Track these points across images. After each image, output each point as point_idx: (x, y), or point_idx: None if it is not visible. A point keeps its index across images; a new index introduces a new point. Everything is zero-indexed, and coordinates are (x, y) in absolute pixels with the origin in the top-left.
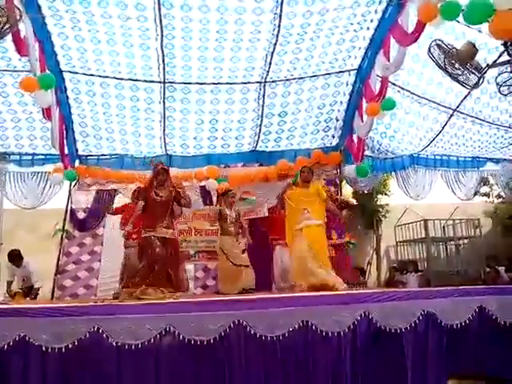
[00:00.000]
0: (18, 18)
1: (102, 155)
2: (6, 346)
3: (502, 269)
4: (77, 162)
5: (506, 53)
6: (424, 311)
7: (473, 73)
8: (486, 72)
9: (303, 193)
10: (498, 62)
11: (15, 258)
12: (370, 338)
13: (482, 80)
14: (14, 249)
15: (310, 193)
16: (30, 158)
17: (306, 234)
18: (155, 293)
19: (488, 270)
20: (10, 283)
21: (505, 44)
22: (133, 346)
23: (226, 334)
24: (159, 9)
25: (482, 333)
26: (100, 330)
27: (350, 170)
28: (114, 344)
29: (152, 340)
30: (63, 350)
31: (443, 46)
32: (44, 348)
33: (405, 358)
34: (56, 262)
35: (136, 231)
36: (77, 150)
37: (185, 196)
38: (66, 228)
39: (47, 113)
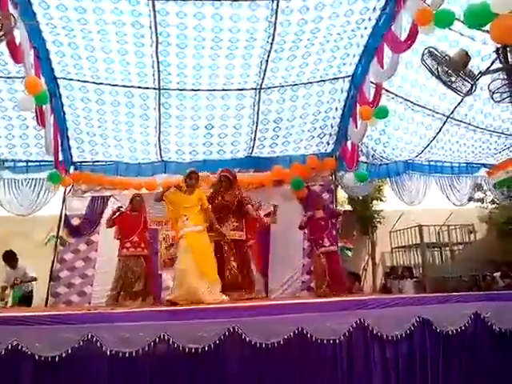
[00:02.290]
0: (13, 25)
1: (97, 161)
2: None
3: (497, 274)
4: (71, 169)
5: (498, 60)
6: (419, 318)
7: (466, 80)
8: (478, 79)
9: (185, 199)
10: (490, 69)
11: (9, 258)
12: (366, 345)
13: (474, 87)
14: (8, 250)
15: (193, 199)
16: (24, 164)
17: (189, 243)
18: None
19: (483, 275)
20: (4, 288)
21: (497, 51)
22: (127, 354)
23: (221, 342)
24: (154, 16)
25: (477, 339)
26: (94, 338)
27: (348, 177)
28: (108, 352)
29: (146, 348)
30: (56, 358)
31: (436, 53)
32: (37, 357)
33: (400, 365)
34: (50, 268)
35: (129, 241)
36: (71, 157)
37: (249, 200)
38: (60, 235)
39: (41, 119)
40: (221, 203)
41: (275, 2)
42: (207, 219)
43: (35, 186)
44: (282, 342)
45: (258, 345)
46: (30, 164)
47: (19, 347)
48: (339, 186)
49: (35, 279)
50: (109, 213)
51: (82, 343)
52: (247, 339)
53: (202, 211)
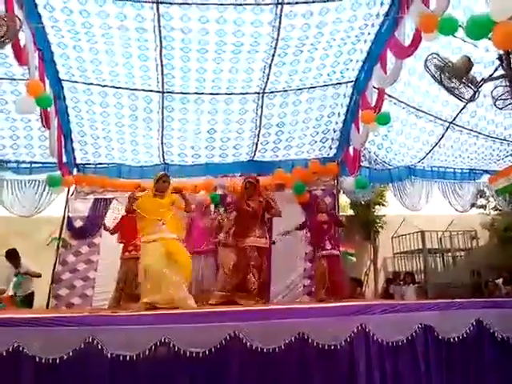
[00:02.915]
0: (18, 27)
1: (100, 164)
2: None
3: (499, 281)
4: (75, 171)
5: (500, 67)
6: (421, 324)
7: (468, 86)
8: (481, 86)
9: (156, 203)
10: (493, 76)
11: (12, 257)
12: (367, 351)
13: (477, 94)
14: (12, 248)
15: (164, 203)
16: (27, 165)
17: (163, 246)
18: (247, 301)
19: (485, 282)
20: (2, 292)
21: (500, 58)
22: (127, 357)
23: (222, 346)
24: (158, 20)
25: (479, 346)
26: (95, 341)
27: (348, 182)
28: (109, 355)
29: (147, 351)
30: (57, 360)
31: (439, 59)
32: (38, 359)
33: (401, 372)
34: (52, 270)
35: (132, 244)
36: (75, 159)
37: (275, 206)
38: (62, 236)
39: (46, 121)
40: (246, 211)
41: (279, 7)
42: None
43: (38, 187)
44: (282, 347)
45: (258, 349)
46: (33, 165)
47: (20, 349)
48: (341, 191)
49: (40, 275)
50: (114, 216)
51: (82, 346)
52: (248, 344)
53: (177, 217)
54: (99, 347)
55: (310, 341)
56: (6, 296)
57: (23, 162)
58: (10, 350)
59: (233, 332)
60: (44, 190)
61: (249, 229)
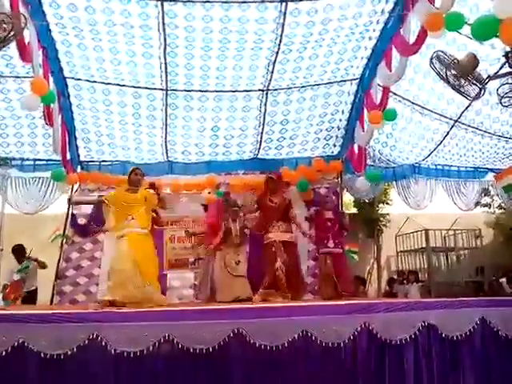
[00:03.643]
0: (23, 25)
1: (104, 161)
2: (4, 353)
3: (503, 280)
4: (78, 168)
5: (507, 64)
6: (425, 322)
7: (474, 84)
8: (487, 83)
9: (129, 197)
10: (499, 73)
11: (18, 252)
12: (370, 350)
13: (483, 91)
14: (18, 243)
15: (137, 198)
16: (31, 163)
17: (129, 243)
18: (277, 296)
19: (489, 281)
20: (5, 287)
21: (506, 55)
22: (131, 354)
23: (226, 343)
24: (163, 18)
25: (483, 345)
26: (99, 338)
27: (361, 181)
28: (113, 351)
29: (151, 348)
30: (62, 356)
31: (445, 57)
32: (43, 354)
33: (405, 370)
34: (56, 267)
35: None
36: (79, 156)
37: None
38: (66, 233)
39: (49, 118)
40: (270, 206)
41: (283, 4)
42: (157, 220)
43: (42, 184)
44: (286, 345)
45: (262, 347)
46: (37, 163)
47: (25, 344)
48: (345, 189)
49: (46, 266)
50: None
51: (86, 342)
52: (251, 341)
53: (148, 212)
54: (103, 343)
55: (313, 339)
56: (12, 281)
57: (27, 159)
58: (16, 345)
59: (236, 329)
60: (48, 188)
61: (272, 224)
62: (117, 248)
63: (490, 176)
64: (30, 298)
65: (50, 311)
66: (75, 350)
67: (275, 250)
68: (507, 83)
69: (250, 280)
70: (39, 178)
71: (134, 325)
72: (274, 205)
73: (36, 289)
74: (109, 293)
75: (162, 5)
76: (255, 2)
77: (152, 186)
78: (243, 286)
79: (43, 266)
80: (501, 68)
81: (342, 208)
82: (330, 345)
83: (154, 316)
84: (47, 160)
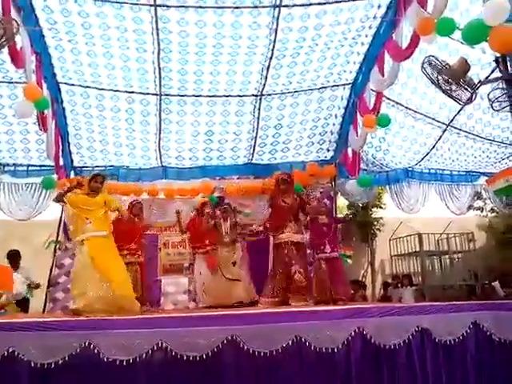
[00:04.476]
0: (15, 30)
1: (97, 167)
2: None
3: (496, 283)
4: (72, 174)
5: (497, 69)
6: (418, 327)
7: (465, 89)
8: (478, 88)
9: (88, 201)
10: (489, 78)
11: (14, 258)
12: (364, 355)
13: (474, 96)
14: (14, 249)
15: (97, 202)
16: (24, 168)
17: (89, 247)
18: (297, 300)
19: (482, 284)
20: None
21: (496, 61)
22: (124, 362)
23: (219, 350)
24: (156, 23)
25: (476, 349)
26: (91, 345)
27: (351, 183)
28: (105, 359)
29: (144, 355)
30: (53, 365)
31: (436, 61)
32: (33, 364)
33: (399, 375)
34: (49, 273)
35: (126, 248)
36: (72, 162)
37: (309, 202)
38: (59, 239)
39: (43, 124)
40: (282, 206)
41: (277, 9)
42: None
43: (35, 190)
44: (280, 351)
45: (256, 353)
46: (30, 168)
47: (15, 354)
48: (339, 193)
49: (39, 286)
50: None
51: (78, 350)
52: (245, 347)
53: (107, 216)
54: (95, 351)
55: (307, 344)
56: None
57: (20, 165)
58: (6, 354)
59: (230, 336)
60: (41, 194)
61: (284, 225)
62: (78, 255)
63: (483, 180)
64: (23, 305)
65: (41, 319)
66: (67, 358)
67: (287, 251)
68: (498, 88)
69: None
70: (32, 183)
71: (126, 332)
72: (285, 205)
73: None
74: (73, 302)
75: (156, 10)
76: (248, 7)
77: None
78: (237, 291)
79: (37, 286)
80: (492, 72)
81: (336, 213)
82: (323, 350)
83: (147, 323)
84: (40, 166)
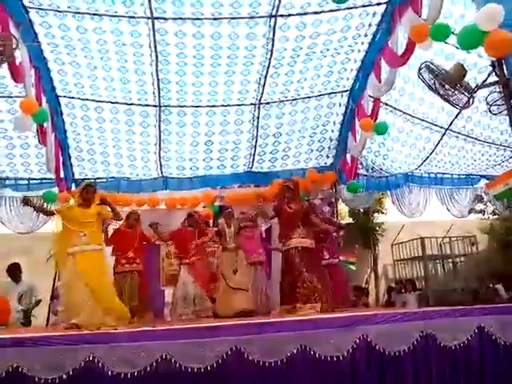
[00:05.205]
0: (14, 46)
1: (98, 178)
2: None
3: (499, 286)
4: (73, 186)
5: (494, 73)
6: (423, 332)
7: (463, 93)
8: (475, 92)
9: (82, 213)
10: (486, 82)
11: (15, 271)
12: (369, 362)
13: (472, 100)
14: (14, 262)
15: (90, 214)
16: (25, 182)
17: (80, 261)
18: (308, 309)
19: (486, 287)
20: None
21: (492, 65)
22: (128, 375)
23: (224, 361)
24: (154, 35)
25: (482, 353)
26: (95, 359)
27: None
28: (109, 373)
29: (148, 368)
30: (57, 380)
31: (432, 67)
32: (37, 379)
33: (405, 382)
34: (52, 286)
35: (125, 257)
36: (73, 174)
37: (314, 208)
38: None
39: (42, 138)
40: (288, 213)
41: (273, 19)
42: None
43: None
44: (284, 360)
45: (260, 363)
46: (31, 182)
47: (19, 369)
48: (340, 199)
49: (39, 301)
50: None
51: (82, 364)
52: (250, 357)
53: (100, 227)
54: (100, 365)
55: (311, 353)
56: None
57: (21, 178)
58: (10, 370)
59: (234, 346)
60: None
61: (292, 230)
62: (67, 268)
63: (483, 182)
64: (25, 318)
65: (44, 334)
66: (71, 372)
67: (296, 257)
68: (495, 91)
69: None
70: (34, 197)
71: (130, 345)
72: (291, 211)
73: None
74: (60, 317)
75: (153, 23)
76: (244, 18)
77: (103, 200)
78: (243, 300)
79: (35, 305)
80: (489, 76)
81: (338, 218)
82: (328, 358)
83: (151, 335)
84: (41, 179)
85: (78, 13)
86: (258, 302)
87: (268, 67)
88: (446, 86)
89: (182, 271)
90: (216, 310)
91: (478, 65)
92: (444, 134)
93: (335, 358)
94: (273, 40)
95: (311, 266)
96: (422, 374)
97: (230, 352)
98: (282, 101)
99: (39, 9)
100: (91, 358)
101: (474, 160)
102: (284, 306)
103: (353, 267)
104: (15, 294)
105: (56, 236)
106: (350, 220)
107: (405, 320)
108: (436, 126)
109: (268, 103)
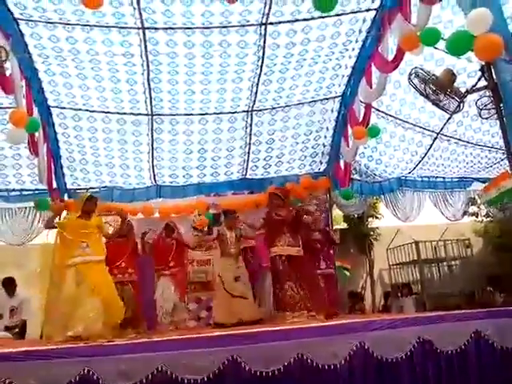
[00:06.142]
0: (4, 58)
1: (91, 188)
2: None
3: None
4: (66, 196)
5: (483, 78)
6: (420, 338)
7: (453, 98)
8: (465, 97)
9: (82, 224)
10: (476, 87)
11: (8, 284)
12: (367, 369)
13: (462, 105)
14: (9, 276)
15: (91, 225)
16: (18, 193)
17: (85, 273)
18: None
19: (482, 290)
20: None
21: (482, 69)
22: None
23: (221, 371)
24: (145, 45)
25: (479, 358)
26: (90, 372)
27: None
28: None
29: (144, 380)
30: None
31: (423, 73)
32: None
33: None
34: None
35: (116, 266)
36: (65, 184)
37: (308, 213)
38: None
39: (33, 148)
40: (275, 220)
41: (263, 27)
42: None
43: (29, 214)
44: (282, 369)
45: (258, 373)
46: (23, 193)
47: None
48: (334, 205)
49: (25, 321)
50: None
51: (77, 378)
52: (247, 367)
53: (101, 239)
54: (95, 378)
55: (309, 361)
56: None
57: (13, 189)
58: None
59: (231, 356)
60: (35, 218)
61: (278, 238)
62: (67, 280)
63: (476, 185)
64: (19, 331)
65: (38, 348)
66: None
67: (280, 265)
68: (485, 96)
69: None
70: (25, 208)
71: (125, 357)
72: (279, 218)
73: (25, 322)
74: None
75: (144, 33)
76: (235, 26)
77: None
78: (245, 308)
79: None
80: (478, 80)
81: (332, 225)
82: (326, 366)
83: (146, 347)
84: (34, 190)
85: (69, 24)
86: (263, 310)
87: (260, 74)
88: (437, 92)
89: (162, 282)
90: (215, 318)
91: (468, 69)
92: (436, 138)
93: (332, 366)
94: (264, 47)
95: (298, 273)
96: (420, 380)
97: (226, 362)
98: (275, 108)
99: (29, 20)
100: (86, 372)
101: (466, 163)
102: (274, 313)
103: (348, 273)
104: (8, 307)
105: (54, 249)
106: (345, 225)
107: (402, 326)
108: (428, 130)
109: (260, 110)
